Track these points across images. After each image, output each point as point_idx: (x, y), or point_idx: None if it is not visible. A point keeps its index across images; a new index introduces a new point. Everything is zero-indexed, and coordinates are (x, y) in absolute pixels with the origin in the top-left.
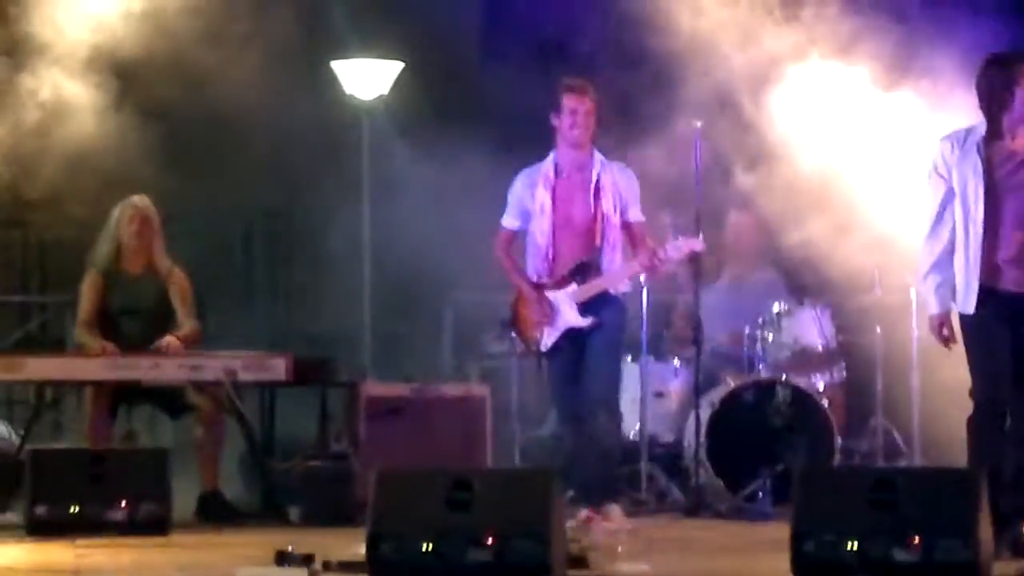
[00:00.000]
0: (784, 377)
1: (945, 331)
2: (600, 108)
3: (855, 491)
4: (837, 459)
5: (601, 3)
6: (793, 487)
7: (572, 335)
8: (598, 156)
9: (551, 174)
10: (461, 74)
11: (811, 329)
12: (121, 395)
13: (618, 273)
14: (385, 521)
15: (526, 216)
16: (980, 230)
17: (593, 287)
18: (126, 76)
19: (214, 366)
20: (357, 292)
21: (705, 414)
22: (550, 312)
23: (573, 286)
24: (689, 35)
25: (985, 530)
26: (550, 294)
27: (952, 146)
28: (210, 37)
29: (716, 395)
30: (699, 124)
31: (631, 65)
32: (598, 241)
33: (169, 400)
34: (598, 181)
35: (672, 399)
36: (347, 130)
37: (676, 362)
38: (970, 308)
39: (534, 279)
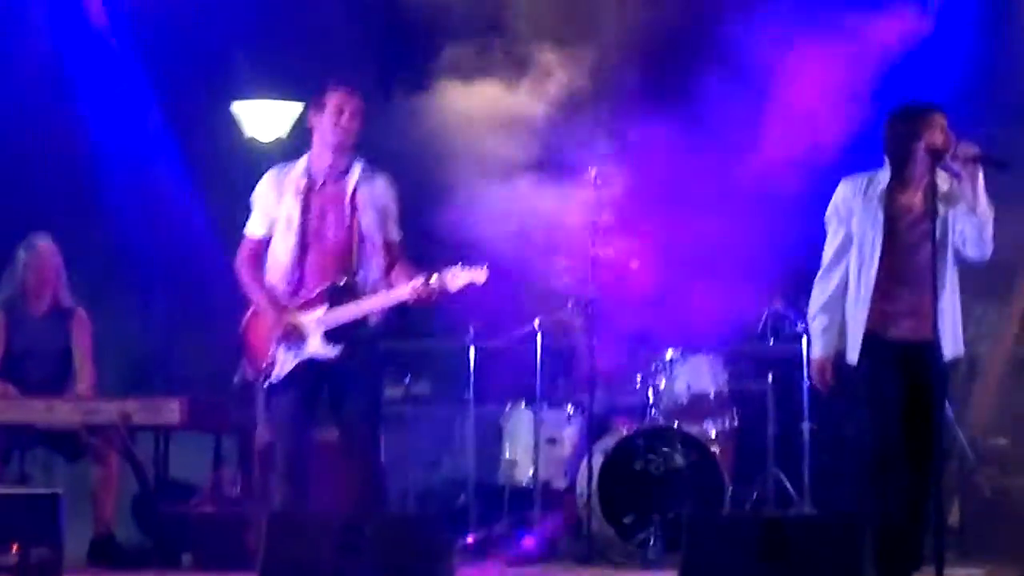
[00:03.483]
0: (676, 424)
1: (827, 375)
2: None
3: (743, 539)
4: (727, 507)
5: None
6: (683, 535)
7: (314, 366)
8: (359, 164)
9: (302, 182)
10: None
11: (704, 376)
12: (14, 438)
13: (381, 299)
14: (276, 566)
15: (273, 224)
16: (872, 283)
17: (347, 312)
18: None
19: (108, 409)
20: None
21: (598, 461)
22: (290, 336)
23: (322, 310)
24: None
25: None
26: (293, 317)
27: (854, 191)
28: None
29: (609, 442)
30: (593, 171)
31: None
32: (354, 264)
33: (64, 443)
34: (354, 193)
35: (565, 445)
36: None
37: (570, 408)
38: (855, 357)
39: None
